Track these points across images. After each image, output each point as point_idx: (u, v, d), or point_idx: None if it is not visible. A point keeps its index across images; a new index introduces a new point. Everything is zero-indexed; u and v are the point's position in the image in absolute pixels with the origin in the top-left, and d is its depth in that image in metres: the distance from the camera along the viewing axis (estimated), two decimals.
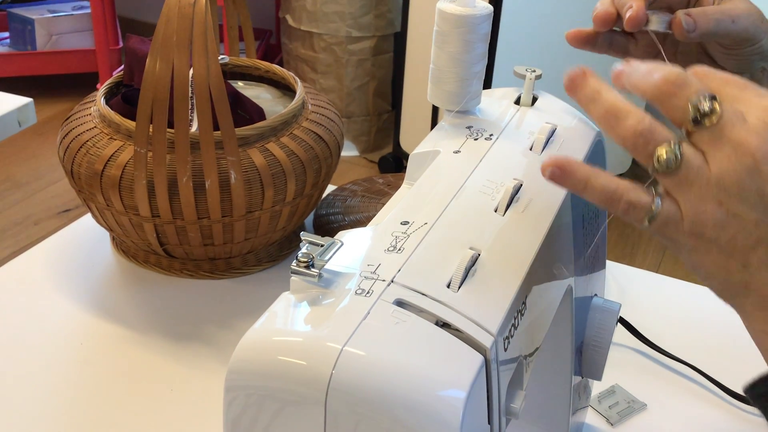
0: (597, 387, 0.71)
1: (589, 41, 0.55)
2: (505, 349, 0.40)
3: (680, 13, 0.51)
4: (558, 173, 0.39)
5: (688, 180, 0.37)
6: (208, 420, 0.65)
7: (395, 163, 2.31)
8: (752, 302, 0.39)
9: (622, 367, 0.74)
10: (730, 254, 0.38)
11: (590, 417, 0.68)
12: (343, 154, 2.66)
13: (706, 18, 0.52)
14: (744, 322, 0.41)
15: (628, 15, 0.51)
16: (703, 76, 0.39)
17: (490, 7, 0.54)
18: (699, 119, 0.37)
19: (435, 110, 2.08)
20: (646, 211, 0.38)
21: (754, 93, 0.38)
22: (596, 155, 0.56)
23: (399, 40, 2.23)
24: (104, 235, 0.87)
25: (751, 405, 0.42)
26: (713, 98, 0.37)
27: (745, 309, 0.40)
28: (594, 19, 0.53)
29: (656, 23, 0.52)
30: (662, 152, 0.37)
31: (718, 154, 0.37)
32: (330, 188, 0.95)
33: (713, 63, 0.57)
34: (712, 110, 0.36)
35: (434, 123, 2.11)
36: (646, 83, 0.38)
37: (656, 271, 0.86)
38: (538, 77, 0.57)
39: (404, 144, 2.28)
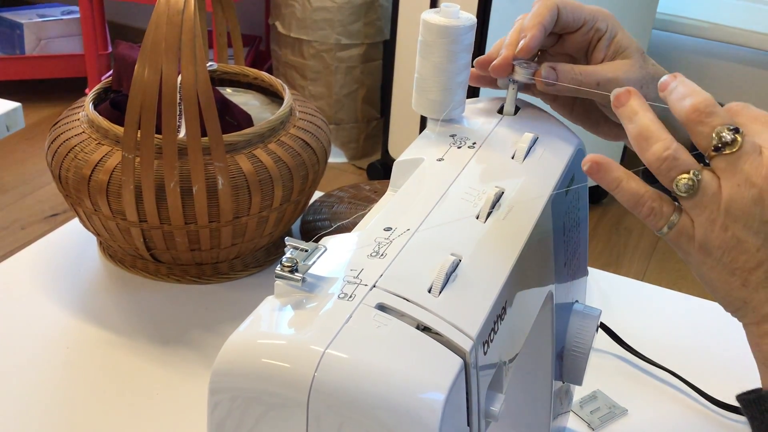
0: (579, 392, 0.72)
1: (486, 81, 0.59)
2: (485, 353, 0.41)
3: (544, 66, 0.55)
4: (595, 168, 0.44)
5: (702, 204, 0.41)
6: (194, 423, 0.66)
7: (384, 170, 2.32)
8: (750, 317, 0.43)
9: (604, 372, 0.75)
10: (732, 272, 0.42)
11: (572, 422, 0.69)
12: (332, 160, 2.66)
13: (568, 76, 0.55)
14: (746, 335, 0.44)
15: (492, 63, 0.56)
16: (735, 113, 0.43)
17: (474, 19, 0.55)
18: (720, 147, 0.40)
19: (423, 118, 2.09)
20: (665, 220, 0.43)
21: None
22: (577, 164, 0.56)
23: (388, 48, 2.25)
24: (91, 240, 0.88)
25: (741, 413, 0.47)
26: (736, 130, 0.40)
27: (745, 322, 0.44)
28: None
29: (521, 74, 0.55)
30: (682, 178, 0.41)
31: (730, 182, 0.40)
32: (317, 194, 0.96)
33: (599, 112, 0.60)
34: (734, 140, 0.40)
35: (422, 130, 2.12)
36: (679, 107, 0.42)
37: (641, 280, 0.88)
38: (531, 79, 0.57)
39: (393, 151, 2.29)
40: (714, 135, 0.41)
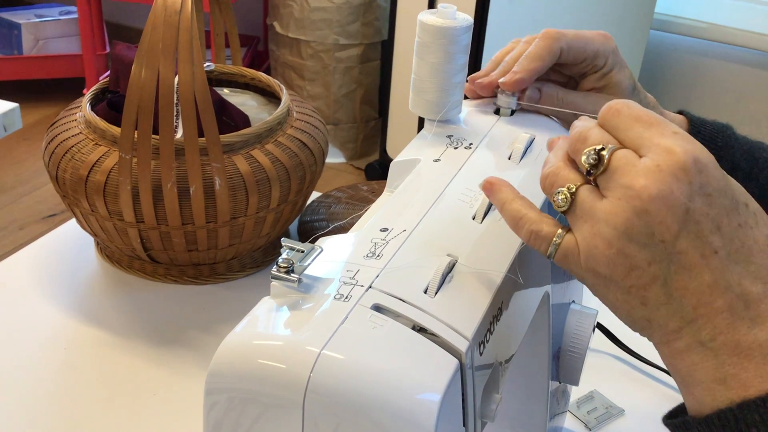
0: (575, 392, 0.72)
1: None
2: (481, 354, 0.41)
3: (531, 86, 0.57)
4: (488, 188, 0.45)
5: (582, 218, 0.40)
6: (191, 424, 0.66)
7: (382, 170, 2.32)
8: (658, 336, 0.40)
9: (601, 373, 0.75)
10: (627, 291, 0.39)
11: (569, 422, 0.69)
12: (330, 161, 2.65)
13: (551, 101, 0.57)
14: (660, 355, 0.41)
15: (479, 81, 0.58)
16: (615, 113, 0.41)
17: (470, 19, 0.55)
18: (590, 171, 0.40)
19: (421, 118, 2.09)
20: (548, 242, 0.41)
21: (659, 132, 0.39)
22: None
23: (386, 48, 2.25)
24: (89, 241, 0.88)
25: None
26: (601, 150, 0.40)
27: (654, 342, 0.41)
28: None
29: (504, 101, 0.57)
30: (558, 193, 0.41)
31: (610, 197, 0.39)
32: (315, 195, 0.96)
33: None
34: (597, 161, 0.39)
35: (420, 130, 2.12)
36: (569, 143, 0.42)
37: None
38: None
39: (391, 151, 2.29)
40: (582, 162, 0.40)
